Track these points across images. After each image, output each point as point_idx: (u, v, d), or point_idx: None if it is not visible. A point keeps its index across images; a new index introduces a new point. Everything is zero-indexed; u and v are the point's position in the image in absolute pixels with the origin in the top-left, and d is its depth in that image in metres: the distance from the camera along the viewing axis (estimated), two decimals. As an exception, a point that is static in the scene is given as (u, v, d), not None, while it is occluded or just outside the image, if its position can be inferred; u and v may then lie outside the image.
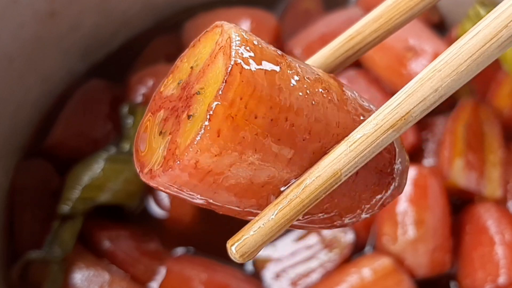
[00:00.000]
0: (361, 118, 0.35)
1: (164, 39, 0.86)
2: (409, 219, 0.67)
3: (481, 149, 0.73)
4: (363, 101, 0.36)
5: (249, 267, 0.70)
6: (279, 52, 0.33)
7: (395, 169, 0.37)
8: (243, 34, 0.32)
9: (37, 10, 0.73)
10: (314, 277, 0.68)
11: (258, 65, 0.31)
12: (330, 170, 0.32)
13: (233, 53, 0.31)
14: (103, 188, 0.69)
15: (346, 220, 0.37)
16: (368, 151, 0.32)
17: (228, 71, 0.31)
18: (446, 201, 0.69)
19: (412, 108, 0.32)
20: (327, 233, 0.70)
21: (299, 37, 0.83)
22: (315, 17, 0.86)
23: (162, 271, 0.67)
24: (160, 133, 0.34)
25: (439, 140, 0.75)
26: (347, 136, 0.33)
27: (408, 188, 0.68)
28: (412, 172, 0.69)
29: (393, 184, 0.37)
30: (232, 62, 0.31)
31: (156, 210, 0.73)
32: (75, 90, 0.79)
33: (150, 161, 0.33)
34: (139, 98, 0.77)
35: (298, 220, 0.35)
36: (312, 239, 0.70)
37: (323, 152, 0.33)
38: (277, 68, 0.32)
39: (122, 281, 0.66)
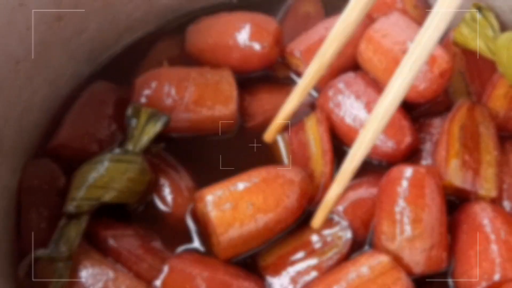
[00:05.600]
0: None
1: (167, 42, 0.87)
2: (406, 218, 0.67)
3: (477, 150, 0.73)
4: None
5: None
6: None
7: None
8: None
9: (44, 14, 0.73)
10: (314, 274, 0.68)
11: None
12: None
13: None
14: (108, 188, 0.69)
15: None
16: None
17: None
18: (443, 201, 0.69)
19: None
20: (327, 232, 0.71)
21: (299, 40, 0.84)
22: (315, 21, 0.87)
23: (165, 269, 0.66)
24: None
25: (436, 140, 0.75)
26: None
27: (406, 188, 0.69)
28: (409, 172, 0.70)
29: None
30: None
31: (159, 208, 0.73)
32: (81, 92, 0.80)
33: None
34: (143, 100, 0.77)
35: None
36: (312, 237, 0.70)
37: None
38: None
39: (126, 279, 0.66)
